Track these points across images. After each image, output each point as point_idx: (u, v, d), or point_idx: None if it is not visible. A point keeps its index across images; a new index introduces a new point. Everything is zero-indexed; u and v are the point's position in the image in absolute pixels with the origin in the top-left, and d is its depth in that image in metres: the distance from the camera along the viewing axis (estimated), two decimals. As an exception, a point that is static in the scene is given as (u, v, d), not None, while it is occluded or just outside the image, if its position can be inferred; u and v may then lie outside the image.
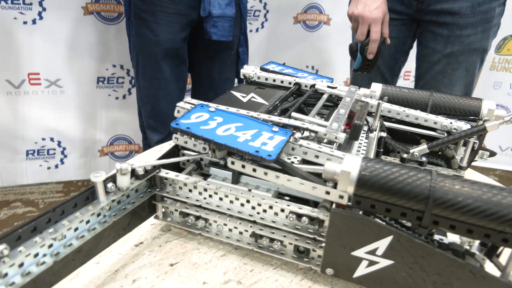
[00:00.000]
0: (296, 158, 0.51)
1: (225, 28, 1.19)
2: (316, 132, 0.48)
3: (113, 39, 1.80)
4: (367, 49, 1.13)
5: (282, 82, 0.68)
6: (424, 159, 0.64)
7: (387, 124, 0.67)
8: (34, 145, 1.89)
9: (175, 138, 0.53)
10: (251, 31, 1.94)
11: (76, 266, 0.41)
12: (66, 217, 0.39)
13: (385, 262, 0.41)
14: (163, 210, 0.53)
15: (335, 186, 0.42)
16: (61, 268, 0.39)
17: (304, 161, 0.48)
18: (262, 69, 0.71)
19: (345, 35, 1.53)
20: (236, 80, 1.47)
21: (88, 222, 0.42)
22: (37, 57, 1.73)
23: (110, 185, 0.43)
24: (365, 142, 0.57)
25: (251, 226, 0.48)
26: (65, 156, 1.96)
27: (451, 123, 0.63)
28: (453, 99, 0.67)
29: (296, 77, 0.71)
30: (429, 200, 0.38)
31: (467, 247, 0.41)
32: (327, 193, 0.42)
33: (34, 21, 1.67)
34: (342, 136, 0.47)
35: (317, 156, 0.46)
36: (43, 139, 1.89)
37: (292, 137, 0.46)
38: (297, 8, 2.02)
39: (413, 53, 1.39)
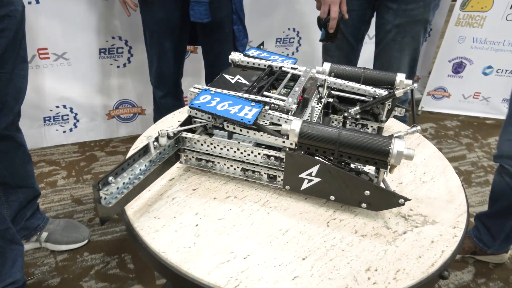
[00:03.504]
0: (266, 122, 0.81)
1: (201, 12, 1.41)
2: (278, 105, 0.77)
3: (111, 14, 2.00)
4: (329, 25, 1.40)
5: (259, 65, 0.96)
6: (358, 116, 0.94)
7: (334, 92, 0.96)
8: (50, 112, 2.15)
9: (189, 110, 0.82)
10: None
11: (141, 190, 0.72)
12: (136, 162, 0.69)
13: (316, 179, 0.73)
14: (185, 158, 0.83)
15: (288, 138, 0.72)
16: (135, 190, 0.70)
17: (272, 124, 0.78)
18: (245, 55, 0.98)
19: None
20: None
21: (145, 165, 0.72)
22: (44, 33, 1.93)
23: (155, 143, 0.73)
24: (319, 106, 0.87)
25: (240, 166, 0.79)
26: (78, 121, 2.23)
27: (374, 91, 0.92)
28: (377, 74, 0.95)
29: (269, 60, 0.98)
30: (337, 143, 0.69)
31: (365, 169, 0.73)
32: (283, 142, 0.72)
33: (37, 1, 1.86)
34: (294, 107, 0.77)
35: (279, 120, 0.76)
36: (57, 106, 2.15)
37: (263, 109, 0.76)
38: (277, -24, 2.21)
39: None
